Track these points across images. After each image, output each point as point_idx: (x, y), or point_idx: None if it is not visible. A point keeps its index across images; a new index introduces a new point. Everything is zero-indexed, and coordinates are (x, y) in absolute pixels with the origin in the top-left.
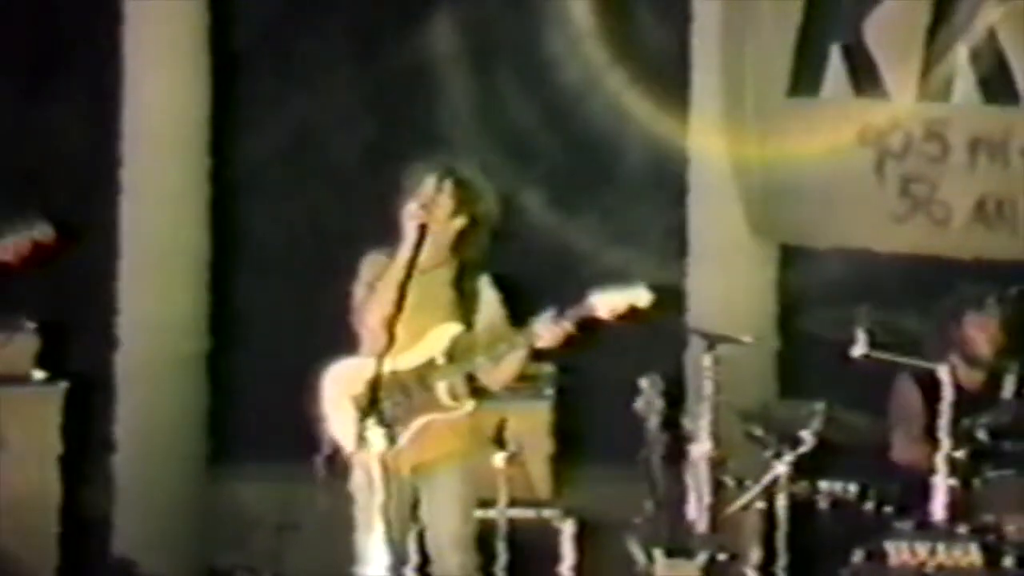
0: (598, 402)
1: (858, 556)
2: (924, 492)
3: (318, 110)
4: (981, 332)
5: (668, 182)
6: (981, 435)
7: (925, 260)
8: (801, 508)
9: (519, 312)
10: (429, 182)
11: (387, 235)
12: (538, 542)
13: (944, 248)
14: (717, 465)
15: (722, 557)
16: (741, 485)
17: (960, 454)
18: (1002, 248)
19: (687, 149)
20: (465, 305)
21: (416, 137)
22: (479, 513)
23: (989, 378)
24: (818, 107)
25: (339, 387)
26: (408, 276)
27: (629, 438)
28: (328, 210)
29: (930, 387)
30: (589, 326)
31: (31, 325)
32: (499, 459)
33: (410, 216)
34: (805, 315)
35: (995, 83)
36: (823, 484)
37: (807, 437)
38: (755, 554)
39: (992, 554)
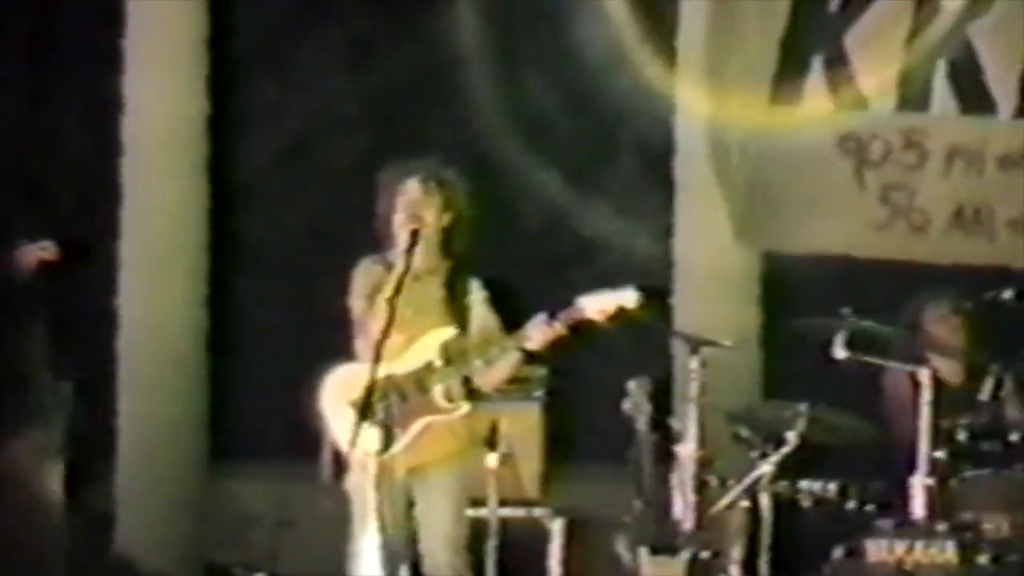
0: (587, 404)
1: (839, 553)
2: (904, 491)
3: (316, 117)
4: (941, 324)
5: (656, 189)
6: (960, 436)
7: (904, 265)
8: (784, 507)
9: (509, 315)
10: (413, 186)
11: (384, 239)
12: (528, 540)
13: (923, 254)
14: (703, 465)
15: (707, 555)
16: (725, 484)
17: (939, 454)
18: (979, 254)
19: (674, 157)
20: (458, 308)
21: (412, 143)
22: (470, 512)
23: (969, 374)
24: (799, 117)
25: (339, 392)
26: (399, 289)
27: (617, 439)
28: (325, 215)
29: (913, 387)
30: (580, 328)
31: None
32: (491, 460)
33: (401, 224)
34: (788, 319)
35: (972, 94)
36: (806, 483)
37: (791, 438)
38: (739, 552)
39: (968, 551)
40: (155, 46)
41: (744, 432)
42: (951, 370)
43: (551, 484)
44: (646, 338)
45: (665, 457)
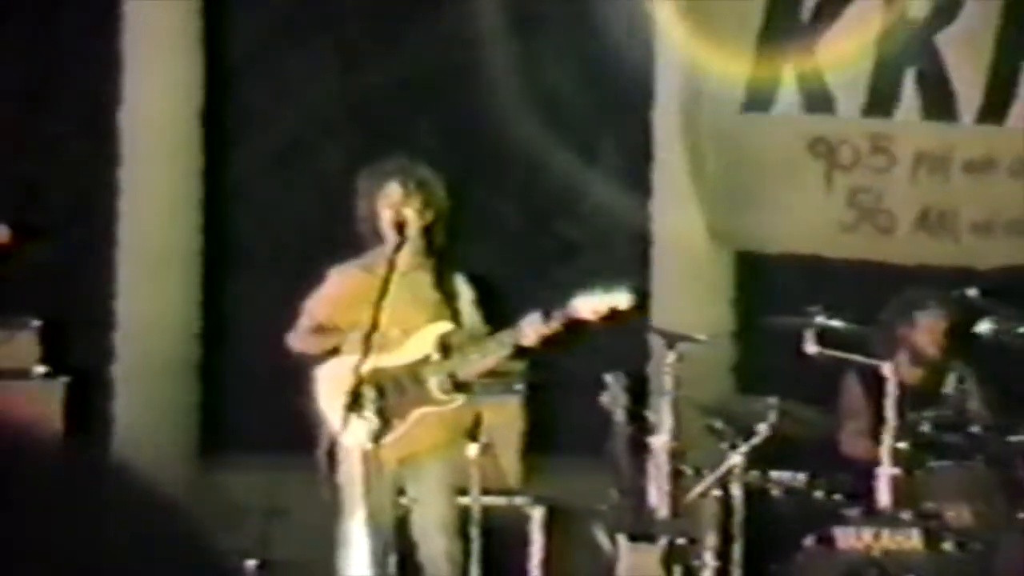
0: (566, 397)
1: (809, 541)
2: (870, 481)
3: (308, 118)
4: (928, 333)
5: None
6: (924, 428)
7: (872, 265)
8: (756, 496)
9: (495, 311)
10: (393, 187)
11: (367, 241)
12: (509, 528)
13: (889, 255)
14: (677, 455)
15: (682, 541)
16: (700, 474)
17: (904, 445)
18: (944, 255)
19: (651, 163)
20: (449, 304)
21: (399, 147)
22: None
23: (929, 375)
24: (770, 122)
25: (334, 384)
26: (386, 289)
27: (595, 430)
28: (315, 215)
29: (875, 383)
30: (572, 327)
31: (34, 323)
32: (473, 450)
33: (388, 222)
34: (760, 316)
35: (938, 101)
36: (776, 474)
37: (762, 430)
38: (713, 539)
39: (933, 538)
40: (152, 48)
41: (717, 424)
42: (912, 374)
43: (531, 474)
44: (624, 333)
45: (641, 448)
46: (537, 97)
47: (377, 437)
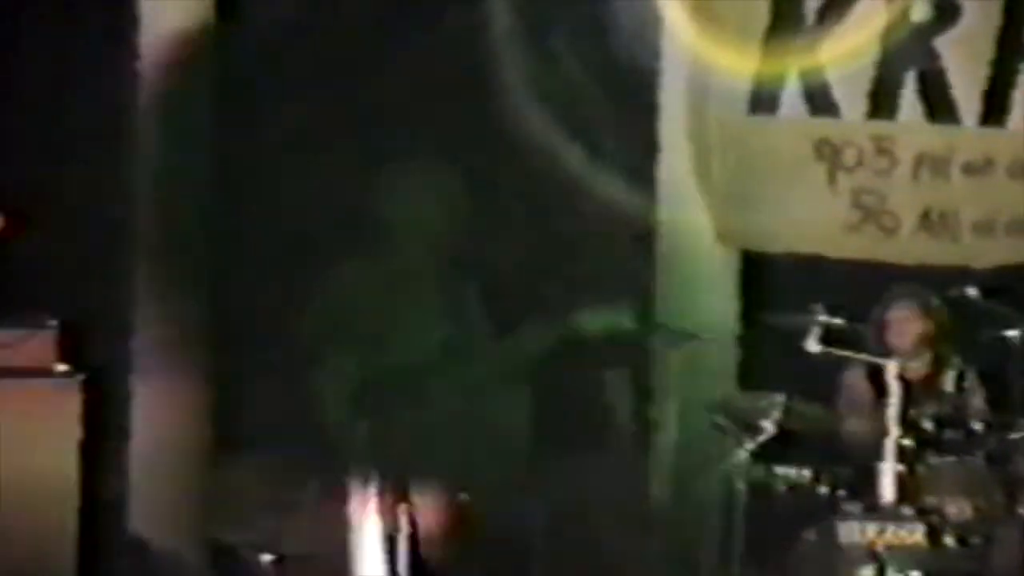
0: (572, 394)
1: (812, 535)
2: (873, 476)
3: (314, 120)
4: (897, 325)
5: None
6: (926, 424)
7: (874, 265)
8: (760, 491)
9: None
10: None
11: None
12: (518, 522)
13: (892, 255)
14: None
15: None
16: (705, 471)
17: (906, 442)
18: (944, 255)
19: (657, 163)
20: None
21: (403, 148)
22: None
23: (933, 371)
24: (776, 124)
25: None
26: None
27: (600, 428)
28: (321, 215)
29: (877, 380)
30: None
31: (53, 322)
32: None
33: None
34: (764, 315)
35: (939, 104)
36: (780, 469)
37: (766, 426)
38: (718, 532)
39: (934, 533)
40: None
41: (722, 421)
42: (913, 370)
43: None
44: (630, 332)
45: (646, 444)
46: (544, 97)
47: None
